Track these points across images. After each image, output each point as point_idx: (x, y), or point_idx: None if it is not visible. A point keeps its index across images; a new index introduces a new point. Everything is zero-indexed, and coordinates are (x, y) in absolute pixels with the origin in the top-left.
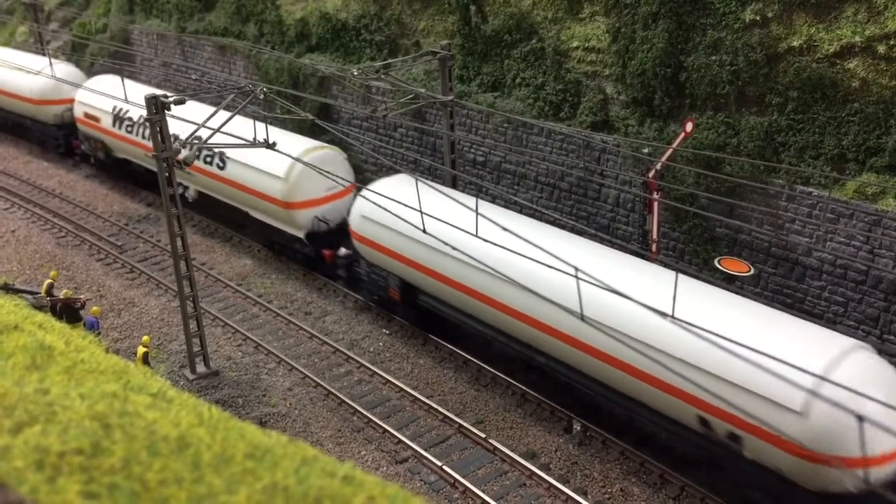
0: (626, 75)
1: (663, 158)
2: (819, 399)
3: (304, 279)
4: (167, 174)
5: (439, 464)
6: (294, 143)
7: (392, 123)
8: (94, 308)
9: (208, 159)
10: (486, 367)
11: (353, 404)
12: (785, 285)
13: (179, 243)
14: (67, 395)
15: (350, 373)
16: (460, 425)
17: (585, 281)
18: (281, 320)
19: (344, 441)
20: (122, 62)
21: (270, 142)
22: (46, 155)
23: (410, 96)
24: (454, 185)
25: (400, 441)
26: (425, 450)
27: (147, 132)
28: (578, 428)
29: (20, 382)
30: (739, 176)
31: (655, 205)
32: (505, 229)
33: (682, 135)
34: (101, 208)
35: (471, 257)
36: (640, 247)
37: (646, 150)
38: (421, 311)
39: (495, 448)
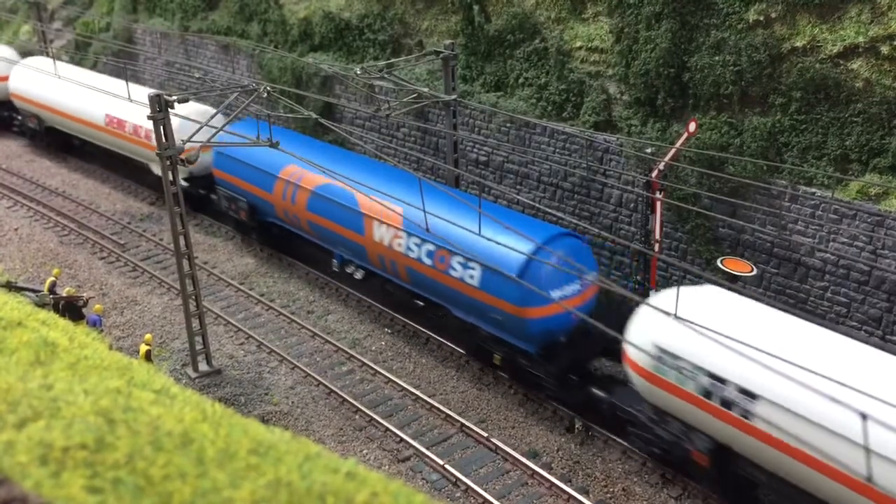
0: (629, 75)
1: (666, 158)
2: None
3: (307, 278)
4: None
5: (441, 462)
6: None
7: (395, 123)
8: (97, 306)
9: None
10: (488, 366)
11: (355, 403)
12: (788, 286)
13: (182, 242)
14: (71, 391)
15: (352, 372)
16: (462, 424)
17: None
18: (283, 319)
19: (346, 440)
20: (125, 61)
21: (274, 140)
22: (49, 154)
23: (413, 96)
24: (457, 185)
25: (402, 440)
26: (427, 448)
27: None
28: (580, 427)
29: (24, 378)
30: (742, 176)
31: (658, 205)
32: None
33: (686, 135)
34: (104, 207)
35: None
36: (642, 246)
37: (649, 150)
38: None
39: (497, 447)
